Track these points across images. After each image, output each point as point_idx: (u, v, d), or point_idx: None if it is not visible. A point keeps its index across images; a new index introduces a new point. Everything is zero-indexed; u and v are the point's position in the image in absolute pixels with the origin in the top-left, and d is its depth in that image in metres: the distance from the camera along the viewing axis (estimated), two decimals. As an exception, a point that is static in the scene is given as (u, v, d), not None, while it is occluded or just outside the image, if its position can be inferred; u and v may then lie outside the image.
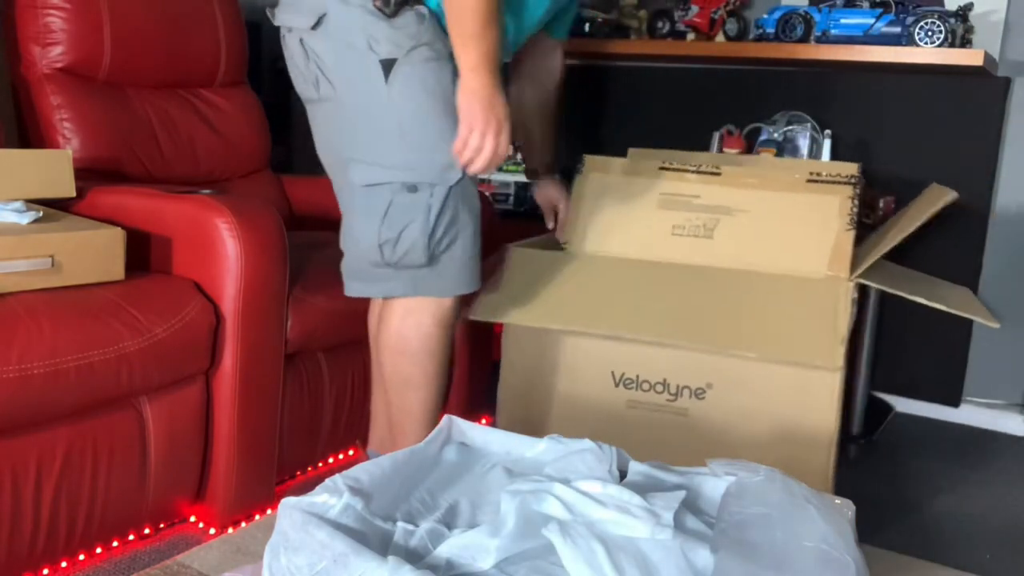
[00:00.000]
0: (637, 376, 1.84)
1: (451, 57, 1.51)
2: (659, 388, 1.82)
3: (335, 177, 1.69)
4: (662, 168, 1.96)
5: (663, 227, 1.91)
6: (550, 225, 2.04)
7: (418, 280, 1.58)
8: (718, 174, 1.92)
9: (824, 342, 1.67)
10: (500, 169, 2.78)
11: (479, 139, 1.50)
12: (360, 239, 1.59)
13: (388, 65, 1.50)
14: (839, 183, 1.83)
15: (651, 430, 1.83)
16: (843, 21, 2.30)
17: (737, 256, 1.83)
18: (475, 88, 1.48)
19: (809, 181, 1.85)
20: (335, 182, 1.69)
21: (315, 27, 1.55)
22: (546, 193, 2.03)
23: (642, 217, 1.94)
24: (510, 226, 2.61)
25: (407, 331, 1.61)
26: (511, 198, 2.77)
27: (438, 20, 1.53)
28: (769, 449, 1.73)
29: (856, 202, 1.81)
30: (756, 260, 1.82)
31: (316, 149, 1.73)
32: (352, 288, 1.65)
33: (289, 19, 1.62)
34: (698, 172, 1.93)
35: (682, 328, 1.76)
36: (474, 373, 2.26)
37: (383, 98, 1.51)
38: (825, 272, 1.77)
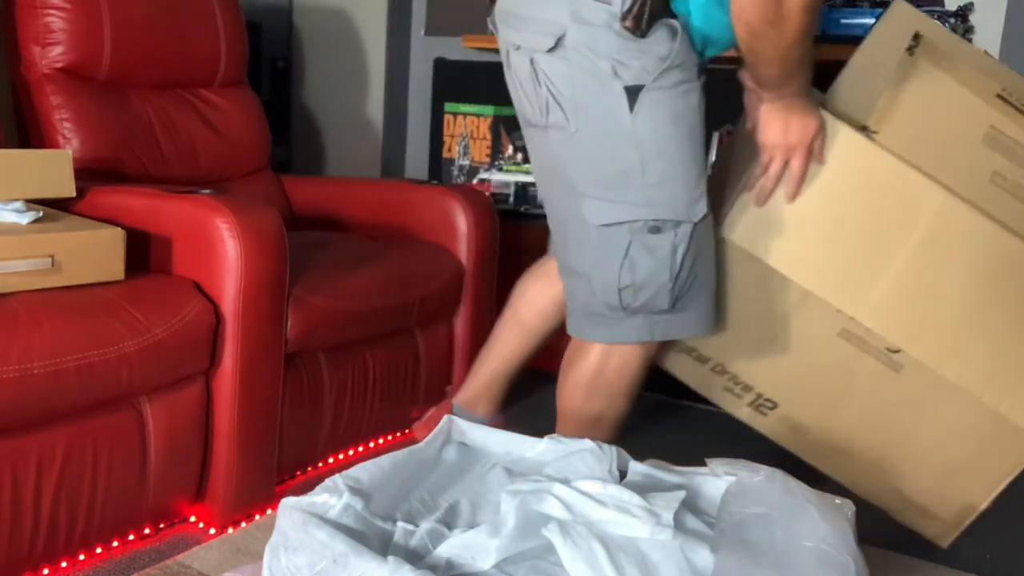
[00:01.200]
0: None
1: (699, 77, 1.41)
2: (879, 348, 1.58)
3: (556, 204, 1.53)
4: (999, 97, 1.60)
5: (982, 169, 1.55)
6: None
7: (655, 325, 1.47)
8: None
9: None
10: (502, 169, 2.78)
11: (775, 164, 1.46)
12: (595, 280, 1.46)
13: (634, 92, 1.35)
14: None
15: (853, 371, 1.62)
16: (843, 21, 2.30)
17: None
18: (772, 118, 1.44)
19: None
20: (555, 210, 1.54)
21: (552, 49, 1.38)
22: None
23: (962, 145, 1.57)
24: (511, 226, 2.62)
25: (610, 372, 1.52)
26: (511, 198, 2.77)
27: (690, 35, 1.39)
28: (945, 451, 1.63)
29: None
30: None
31: (534, 173, 1.61)
32: (581, 331, 1.53)
33: (519, 37, 1.44)
34: None
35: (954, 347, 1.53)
36: (474, 373, 2.26)
37: (626, 129, 1.37)
38: None
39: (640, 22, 1.33)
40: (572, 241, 1.50)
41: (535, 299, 1.80)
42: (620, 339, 1.49)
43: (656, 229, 1.40)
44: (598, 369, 1.52)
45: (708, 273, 1.48)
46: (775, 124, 1.44)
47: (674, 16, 1.36)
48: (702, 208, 1.42)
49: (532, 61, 1.41)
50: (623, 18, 1.33)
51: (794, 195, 1.48)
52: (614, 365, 1.51)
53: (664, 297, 1.44)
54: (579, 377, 1.55)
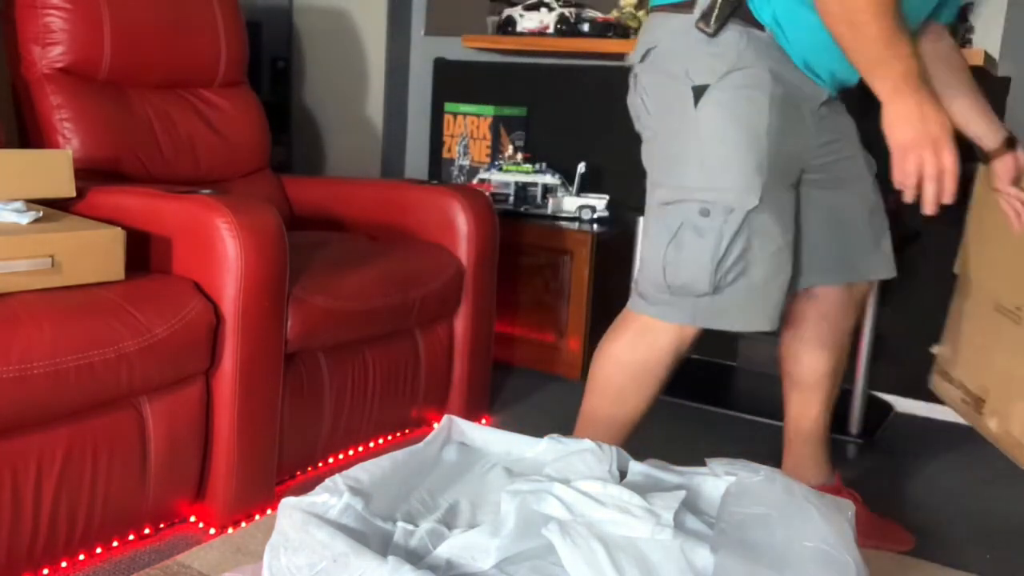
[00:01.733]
0: None
1: (774, 82, 1.43)
2: None
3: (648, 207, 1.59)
4: None
5: None
6: (1015, 223, 1.69)
7: (698, 310, 1.50)
8: None
9: None
10: (502, 169, 2.78)
11: (915, 163, 1.33)
12: (647, 258, 1.53)
13: (700, 91, 1.44)
14: None
15: None
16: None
17: None
18: (900, 113, 1.33)
19: None
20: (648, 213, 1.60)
21: (643, 60, 1.52)
22: (1007, 168, 1.66)
23: None
24: (511, 226, 2.62)
25: (642, 348, 1.56)
26: (511, 198, 2.77)
27: (772, 37, 1.44)
28: None
29: None
30: None
31: None
32: (635, 303, 1.58)
33: (630, 56, 1.63)
34: None
35: None
36: (474, 373, 2.26)
37: (690, 122, 1.45)
38: None
39: (709, 21, 1.42)
40: (644, 230, 1.59)
41: (792, 353, 1.76)
42: (660, 315, 1.53)
43: (706, 212, 1.45)
44: (631, 343, 1.57)
45: (761, 268, 1.47)
46: (909, 116, 1.33)
47: (752, 24, 1.43)
48: (754, 199, 1.44)
49: (633, 76, 1.56)
50: (699, 19, 1.44)
51: (953, 193, 1.37)
52: (647, 341, 1.56)
53: (704, 280, 1.46)
54: (610, 349, 1.60)
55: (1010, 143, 1.64)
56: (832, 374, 1.73)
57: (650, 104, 1.52)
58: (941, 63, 1.63)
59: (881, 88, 1.34)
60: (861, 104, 1.52)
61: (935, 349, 2.09)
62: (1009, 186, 1.67)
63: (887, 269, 1.72)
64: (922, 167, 1.33)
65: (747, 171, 1.44)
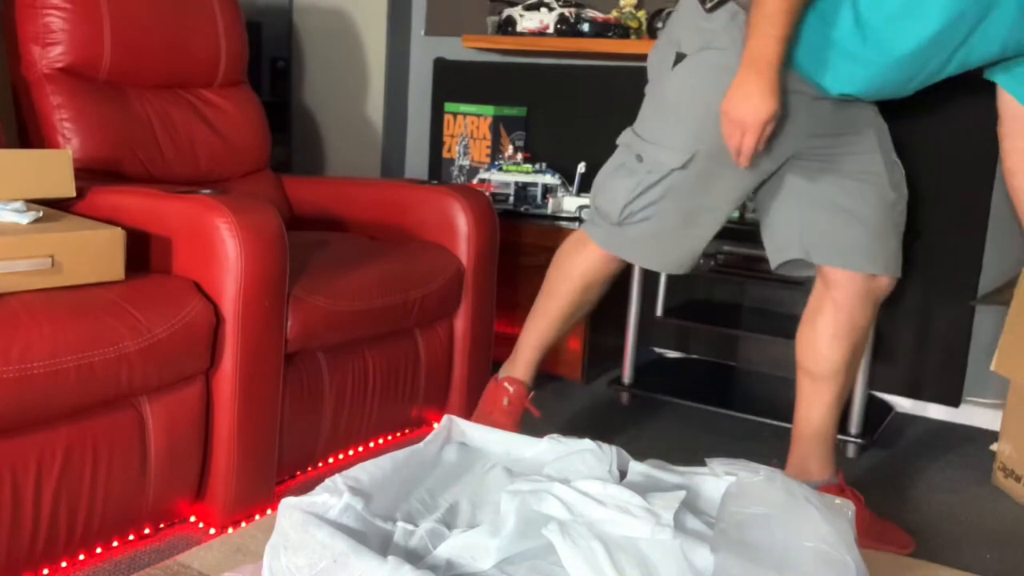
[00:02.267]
0: None
1: (732, 58, 1.55)
2: None
3: None
4: None
5: None
6: None
7: (610, 235, 1.76)
8: None
9: None
10: (502, 169, 2.78)
11: (728, 131, 1.55)
12: (595, 182, 1.78)
13: (679, 59, 1.62)
14: None
15: None
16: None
17: None
18: (739, 84, 1.51)
19: None
20: None
21: (659, 35, 1.73)
22: None
23: None
24: (511, 226, 2.62)
25: (574, 256, 1.85)
26: (511, 198, 2.77)
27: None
28: None
29: None
30: None
31: None
32: (584, 224, 1.86)
33: None
34: None
35: None
36: (474, 373, 2.26)
37: (664, 83, 1.66)
38: None
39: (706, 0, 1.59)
40: None
41: (807, 343, 1.78)
42: (587, 231, 1.82)
43: (640, 159, 1.68)
44: (569, 249, 1.87)
45: (668, 218, 1.69)
46: (741, 92, 1.51)
47: (746, 8, 1.53)
48: (679, 160, 1.63)
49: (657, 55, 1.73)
50: None
51: (743, 166, 1.58)
52: (579, 252, 1.84)
53: (615, 211, 1.72)
54: (560, 249, 1.90)
55: None
56: (846, 368, 1.75)
57: (652, 59, 1.72)
58: (1018, 149, 1.69)
59: (744, 55, 1.50)
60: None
61: (994, 447, 2.17)
62: None
63: (896, 267, 1.75)
64: (730, 138, 1.54)
65: (685, 136, 1.62)
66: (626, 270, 2.53)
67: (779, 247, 1.76)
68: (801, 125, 1.61)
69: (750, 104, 1.50)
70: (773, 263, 1.78)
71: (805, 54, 1.54)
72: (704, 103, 1.59)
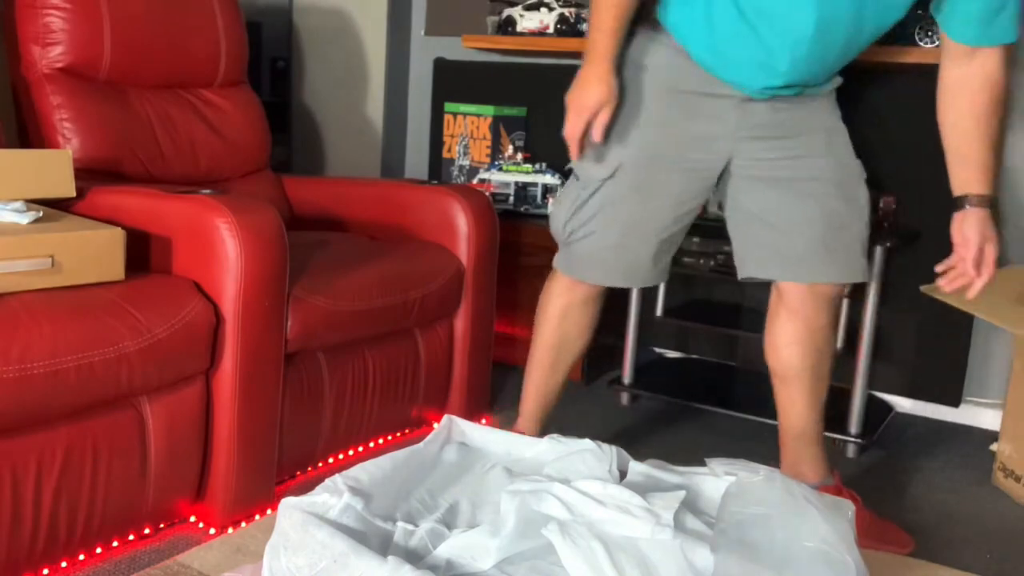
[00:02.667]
0: None
1: (668, 77, 1.63)
2: None
3: None
4: None
5: None
6: (939, 268, 1.67)
7: (563, 257, 1.78)
8: None
9: None
10: (502, 169, 2.78)
11: (566, 118, 1.62)
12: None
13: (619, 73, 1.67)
14: None
15: None
16: (843, 21, 2.29)
17: None
18: (578, 73, 1.61)
19: None
20: None
21: None
22: (960, 228, 1.63)
23: None
24: (511, 226, 2.61)
25: (547, 288, 1.85)
26: (511, 198, 2.77)
27: (672, 39, 1.62)
28: None
29: None
30: None
31: None
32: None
33: None
34: None
35: None
36: (474, 373, 2.26)
37: None
38: None
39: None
40: None
41: (771, 348, 1.78)
42: (554, 261, 1.83)
43: (576, 176, 1.72)
44: (544, 287, 1.87)
45: (609, 232, 1.70)
46: (577, 81, 1.61)
47: (656, 27, 1.62)
48: (606, 171, 1.66)
49: None
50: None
51: (574, 157, 1.65)
52: (548, 286, 1.85)
53: (559, 231, 1.75)
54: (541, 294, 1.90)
55: (961, 201, 1.63)
56: (811, 369, 1.73)
57: None
58: (963, 91, 1.59)
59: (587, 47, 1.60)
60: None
61: (994, 447, 2.18)
62: (958, 245, 1.64)
63: (846, 273, 1.69)
64: (566, 123, 1.61)
65: (610, 148, 1.65)
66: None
67: (738, 262, 1.75)
68: (730, 126, 1.63)
69: (581, 91, 1.58)
70: (739, 276, 1.76)
71: (710, 56, 1.59)
72: (627, 116, 1.64)
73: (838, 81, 1.73)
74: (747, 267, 1.73)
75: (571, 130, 1.60)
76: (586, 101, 1.58)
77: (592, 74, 1.58)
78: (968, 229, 1.61)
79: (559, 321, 1.83)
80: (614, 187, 1.67)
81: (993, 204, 1.62)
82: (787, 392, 1.77)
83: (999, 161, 1.62)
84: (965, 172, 1.62)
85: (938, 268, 1.65)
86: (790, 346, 1.73)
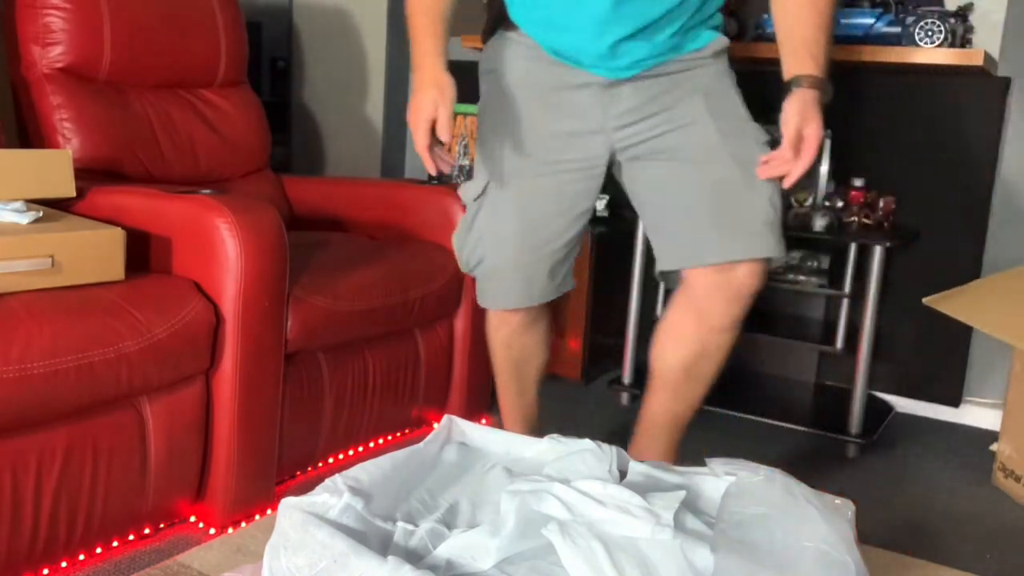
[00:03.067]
0: None
1: (523, 74, 1.58)
2: None
3: None
4: None
5: None
6: (763, 174, 1.45)
7: (477, 290, 1.69)
8: None
9: None
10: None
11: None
12: None
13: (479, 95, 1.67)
14: None
15: None
16: (843, 21, 2.30)
17: None
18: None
19: None
20: None
21: None
22: (784, 112, 1.42)
23: None
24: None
25: (485, 323, 1.76)
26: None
27: (521, 33, 1.58)
28: None
29: None
30: None
31: None
32: None
33: None
34: None
35: None
36: (474, 373, 2.26)
37: None
38: None
39: (484, 38, 1.66)
40: None
41: (654, 343, 1.65)
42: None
43: (464, 202, 1.66)
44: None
45: (497, 251, 1.60)
46: (413, 84, 1.54)
47: (509, 27, 1.60)
48: (478, 188, 1.60)
49: None
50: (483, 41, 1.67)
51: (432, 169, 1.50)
52: (487, 323, 1.76)
53: (460, 261, 1.68)
54: None
55: (790, 85, 1.43)
56: (686, 372, 1.58)
57: None
58: None
59: None
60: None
61: (994, 447, 2.18)
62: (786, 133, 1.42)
63: (750, 247, 1.48)
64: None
65: (479, 161, 1.61)
66: (625, 272, 2.53)
67: (655, 257, 1.61)
68: (598, 118, 1.53)
69: (413, 100, 1.47)
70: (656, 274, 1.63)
71: (547, 31, 1.51)
72: (489, 123, 1.61)
73: (719, 43, 1.55)
74: (659, 261, 1.57)
75: (418, 143, 1.46)
76: (420, 108, 1.44)
77: (419, 80, 1.48)
78: (789, 109, 1.40)
79: (506, 352, 1.74)
80: (491, 204, 1.59)
81: (824, 88, 1.42)
82: (652, 391, 1.64)
83: (831, 45, 1.44)
84: (797, 56, 1.44)
85: (761, 160, 1.45)
86: (672, 344, 1.58)
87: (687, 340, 1.56)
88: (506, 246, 1.59)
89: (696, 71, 1.52)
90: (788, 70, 1.44)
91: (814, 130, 1.39)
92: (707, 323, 1.53)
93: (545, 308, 1.71)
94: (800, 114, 1.39)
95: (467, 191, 1.63)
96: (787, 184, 1.41)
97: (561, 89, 1.54)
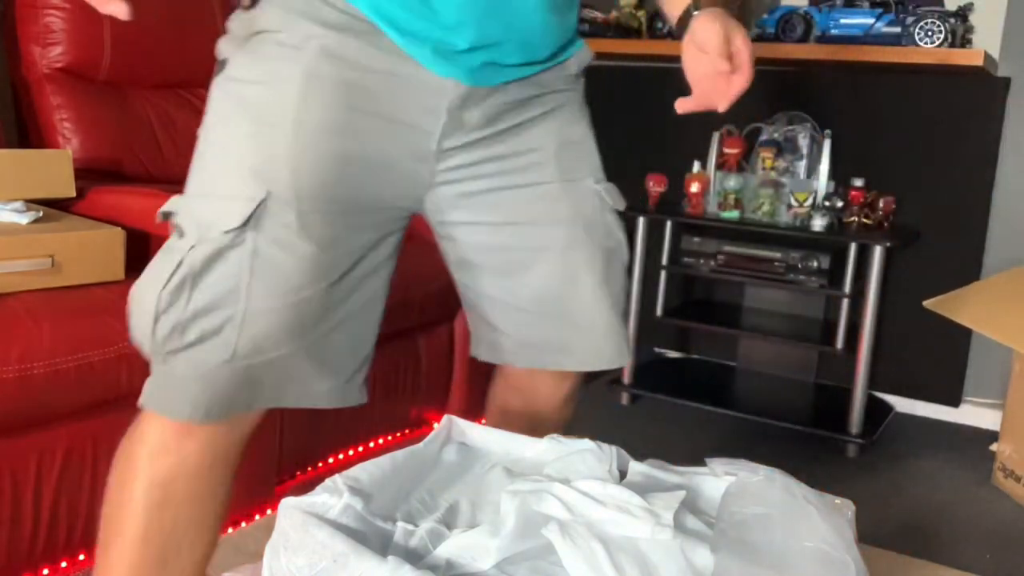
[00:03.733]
0: None
1: (323, 57, 0.98)
2: None
3: None
4: None
5: None
6: (682, 108, 1.07)
7: (155, 383, 1.01)
8: None
9: None
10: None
11: None
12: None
13: (220, 68, 1.04)
14: None
15: None
16: (843, 21, 2.30)
17: None
18: None
19: None
20: None
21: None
22: (693, 36, 1.04)
23: None
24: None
25: (128, 447, 1.02)
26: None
27: None
28: None
29: None
30: None
31: None
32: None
33: None
34: None
35: None
36: (474, 373, 2.26)
37: (208, 109, 1.07)
38: None
39: None
40: None
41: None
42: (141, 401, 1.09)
43: (180, 231, 1.06)
44: (122, 446, 1.09)
45: (257, 321, 1.02)
46: None
47: None
48: (235, 217, 0.99)
49: None
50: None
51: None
52: (135, 439, 1.08)
53: (146, 331, 1.08)
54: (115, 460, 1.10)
55: (687, 13, 1.05)
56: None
57: None
58: None
59: None
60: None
61: (994, 447, 2.19)
62: (698, 52, 1.04)
63: (583, 359, 1.25)
64: None
65: (238, 174, 0.97)
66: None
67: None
68: (435, 146, 1.16)
69: None
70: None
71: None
72: (261, 116, 1.00)
73: (582, 57, 1.24)
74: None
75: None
76: None
77: None
78: (702, 28, 1.02)
79: (156, 510, 1.03)
80: (250, 242, 0.96)
81: (728, 5, 1.06)
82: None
83: None
84: None
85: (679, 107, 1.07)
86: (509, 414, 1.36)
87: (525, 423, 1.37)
88: (280, 313, 1.02)
89: (555, 99, 1.26)
90: (677, 4, 1.07)
91: (744, 39, 1.02)
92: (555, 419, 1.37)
93: (246, 438, 1.16)
94: (723, 23, 1.01)
95: (214, 211, 0.98)
96: (723, 108, 1.05)
97: (383, 89, 1.05)
